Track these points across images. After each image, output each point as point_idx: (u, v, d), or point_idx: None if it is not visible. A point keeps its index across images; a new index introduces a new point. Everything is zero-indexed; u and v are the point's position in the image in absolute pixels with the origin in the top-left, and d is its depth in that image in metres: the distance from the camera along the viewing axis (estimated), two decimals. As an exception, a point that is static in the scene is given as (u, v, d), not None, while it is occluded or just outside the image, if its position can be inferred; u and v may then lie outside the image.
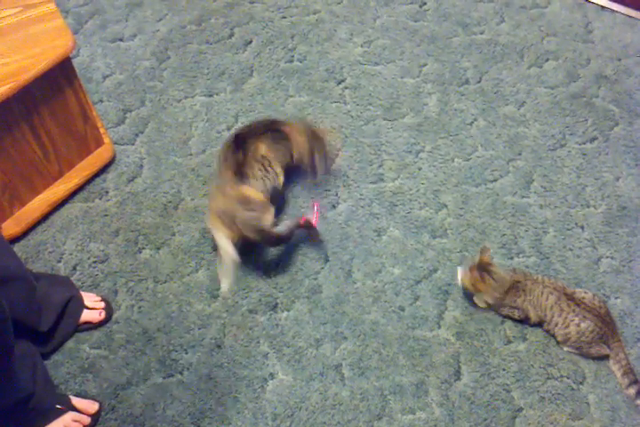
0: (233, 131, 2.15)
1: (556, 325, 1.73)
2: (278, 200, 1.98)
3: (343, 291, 1.88)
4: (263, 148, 1.85)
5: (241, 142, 1.85)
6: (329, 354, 1.77)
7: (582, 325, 1.69)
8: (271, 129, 1.92)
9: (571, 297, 1.72)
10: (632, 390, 1.67)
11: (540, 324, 1.79)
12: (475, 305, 1.85)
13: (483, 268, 1.76)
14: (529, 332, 1.81)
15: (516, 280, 1.76)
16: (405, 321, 1.83)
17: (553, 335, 1.77)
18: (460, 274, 1.82)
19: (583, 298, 1.72)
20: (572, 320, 1.70)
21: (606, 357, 1.74)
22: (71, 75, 1.86)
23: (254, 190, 1.80)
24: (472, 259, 1.82)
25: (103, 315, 1.78)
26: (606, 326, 1.70)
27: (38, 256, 1.91)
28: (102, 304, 1.80)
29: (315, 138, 1.97)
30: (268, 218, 1.81)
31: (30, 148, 1.84)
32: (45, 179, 1.96)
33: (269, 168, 1.86)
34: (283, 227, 1.82)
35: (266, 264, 1.93)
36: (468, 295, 1.86)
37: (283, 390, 1.71)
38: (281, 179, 1.91)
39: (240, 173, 1.80)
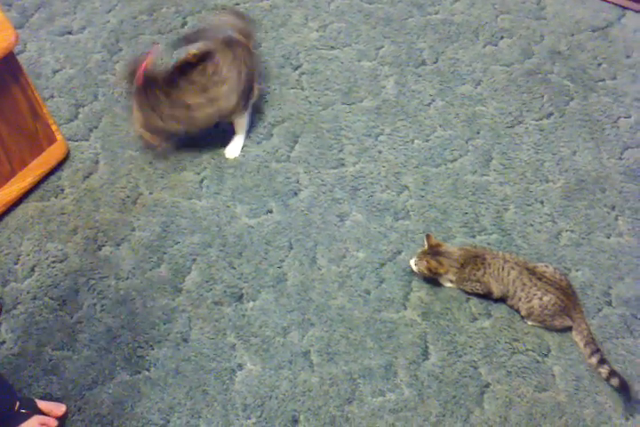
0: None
1: (520, 299, 1.74)
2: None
3: (308, 278, 1.88)
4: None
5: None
6: (297, 342, 1.77)
7: (545, 298, 1.71)
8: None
9: (532, 271, 1.74)
10: (594, 359, 1.70)
11: (503, 299, 1.80)
12: (440, 285, 1.86)
13: (434, 251, 1.78)
14: (493, 308, 1.83)
15: (475, 255, 1.79)
16: (372, 304, 1.84)
17: (517, 310, 1.79)
18: (415, 266, 1.83)
19: (544, 272, 1.74)
20: (535, 294, 1.72)
21: (569, 328, 1.76)
22: (16, 71, 1.81)
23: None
24: (421, 249, 1.84)
25: None
26: (568, 299, 1.72)
27: (-6, 259, 1.87)
28: None
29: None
30: None
31: (-22, 148, 1.80)
32: (-3, 179, 1.91)
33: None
34: None
35: (229, 255, 1.91)
36: (432, 279, 1.87)
37: (252, 381, 1.71)
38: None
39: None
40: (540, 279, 1.72)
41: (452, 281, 1.83)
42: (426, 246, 1.82)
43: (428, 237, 1.83)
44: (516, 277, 1.74)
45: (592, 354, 1.70)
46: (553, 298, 1.71)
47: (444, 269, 1.78)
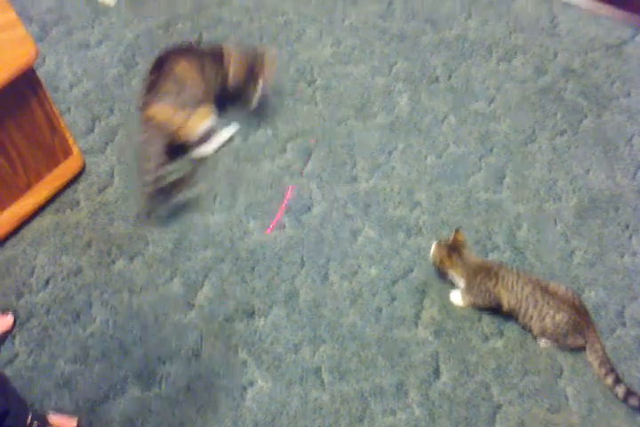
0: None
1: (532, 318, 1.74)
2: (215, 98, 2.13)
3: (320, 294, 1.88)
4: (183, 63, 2.00)
5: (160, 63, 2.03)
6: (308, 358, 1.77)
7: (557, 316, 1.70)
8: (209, 53, 2.09)
9: (545, 289, 1.73)
10: (609, 379, 1.69)
11: (511, 315, 1.80)
12: (451, 303, 1.86)
13: (454, 247, 1.80)
14: (506, 328, 1.82)
15: (490, 266, 1.80)
16: (383, 322, 1.83)
17: (529, 330, 1.78)
18: (433, 248, 1.85)
19: (557, 291, 1.73)
20: (548, 313, 1.71)
21: (582, 348, 1.75)
22: (36, 85, 1.83)
23: (163, 108, 1.97)
24: (446, 236, 1.85)
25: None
26: (581, 317, 1.71)
27: (9, 272, 1.88)
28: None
29: (255, 63, 2.10)
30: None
31: (-4, 161, 1.81)
32: (13, 192, 1.92)
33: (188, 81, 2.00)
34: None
35: (241, 270, 1.92)
36: (444, 296, 1.87)
37: (262, 398, 1.71)
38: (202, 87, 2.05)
39: (153, 90, 1.98)
40: (552, 297, 1.72)
41: (461, 287, 1.83)
42: (451, 239, 1.82)
43: (457, 231, 1.83)
44: (529, 293, 1.73)
45: (607, 374, 1.69)
46: (566, 316, 1.70)
47: (449, 263, 1.79)
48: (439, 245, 1.83)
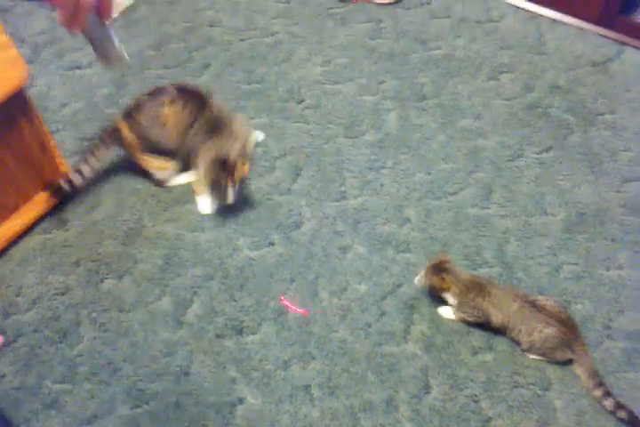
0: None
1: (520, 332, 1.74)
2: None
3: (310, 310, 1.88)
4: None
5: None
6: (297, 375, 1.76)
7: (545, 331, 1.70)
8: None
9: (533, 304, 1.73)
10: (598, 392, 1.68)
11: (500, 330, 1.80)
12: (441, 318, 1.86)
13: (442, 268, 1.80)
14: (495, 342, 1.82)
15: (478, 282, 1.80)
16: (373, 338, 1.83)
17: (518, 343, 1.78)
18: (421, 278, 1.85)
19: (545, 305, 1.74)
20: (535, 327, 1.71)
21: (571, 361, 1.75)
22: (26, 106, 1.85)
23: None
24: (429, 263, 1.85)
25: None
26: (569, 331, 1.71)
27: (-4, 291, 1.88)
28: None
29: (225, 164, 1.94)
30: None
31: (-15, 181, 1.82)
32: (2, 212, 1.93)
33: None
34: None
35: (231, 287, 1.92)
36: (433, 311, 1.87)
37: (252, 415, 1.70)
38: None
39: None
40: (540, 312, 1.72)
41: (453, 304, 1.83)
42: (437, 261, 1.83)
43: (441, 252, 1.86)
44: (517, 309, 1.74)
45: (596, 387, 1.69)
46: (554, 331, 1.70)
47: (443, 285, 1.79)
48: (427, 271, 1.82)
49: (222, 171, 1.93)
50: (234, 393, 1.73)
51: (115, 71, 1.29)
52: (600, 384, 1.68)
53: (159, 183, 2.13)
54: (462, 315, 1.82)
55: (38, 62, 2.48)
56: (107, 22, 0.95)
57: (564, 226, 2.07)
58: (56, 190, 2.02)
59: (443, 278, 1.79)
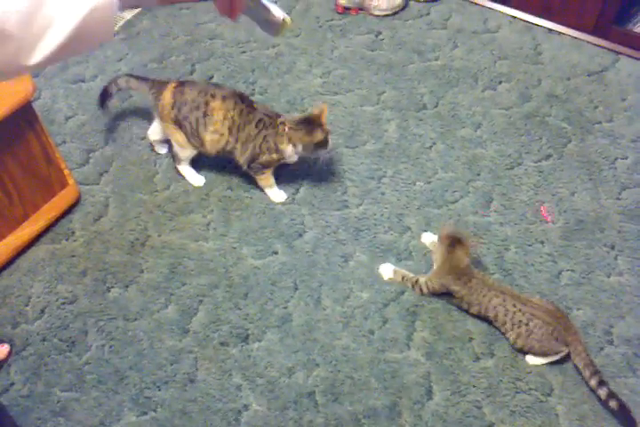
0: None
1: (504, 324, 1.78)
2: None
3: (313, 318, 1.91)
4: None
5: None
6: (302, 382, 1.78)
7: (530, 324, 1.73)
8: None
9: (517, 297, 1.78)
10: (593, 381, 1.70)
11: (486, 319, 1.86)
12: (443, 324, 1.89)
13: (459, 241, 1.85)
14: (496, 348, 1.84)
15: (473, 275, 1.85)
16: (375, 344, 1.86)
17: (506, 338, 1.82)
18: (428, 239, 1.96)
19: (530, 298, 1.80)
20: (520, 320, 1.75)
21: (570, 360, 1.77)
22: (32, 119, 1.88)
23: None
24: (450, 228, 1.90)
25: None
26: (557, 321, 1.74)
27: (4, 302, 1.91)
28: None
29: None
30: None
31: (-7, 193, 1.85)
32: (10, 223, 1.96)
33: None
34: None
35: (235, 296, 1.94)
36: (435, 318, 1.89)
37: (257, 421, 1.72)
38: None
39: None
40: (524, 304, 1.76)
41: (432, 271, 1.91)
42: (460, 233, 1.88)
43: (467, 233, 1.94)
44: (498, 304, 1.78)
45: (591, 376, 1.71)
46: (539, 323, 1.73)
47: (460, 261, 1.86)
48: (444, 239, 1.88)
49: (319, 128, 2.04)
50: (239, 400, 1.75)
51: (283, 34, 1.30)
52: (595, 373, 1.71)
53: (176, 159, 2.20)
54: (427, 284, 1.90)
55: (43, 75, 2.52)
56: None
57: (563, 233, 2.10)
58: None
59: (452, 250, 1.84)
